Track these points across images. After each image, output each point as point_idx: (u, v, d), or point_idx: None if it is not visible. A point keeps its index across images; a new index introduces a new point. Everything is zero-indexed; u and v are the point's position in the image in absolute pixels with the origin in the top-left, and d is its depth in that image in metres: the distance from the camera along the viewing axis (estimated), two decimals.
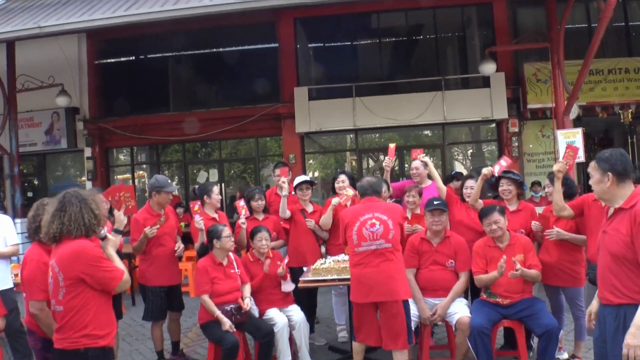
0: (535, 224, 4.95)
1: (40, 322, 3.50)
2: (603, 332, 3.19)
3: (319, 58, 14.33)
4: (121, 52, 14.17)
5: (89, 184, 12.96)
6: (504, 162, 5.13)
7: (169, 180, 5.51)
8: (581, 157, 8.55)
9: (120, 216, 3.81)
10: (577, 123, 10.92)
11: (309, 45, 14.22)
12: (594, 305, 3.43)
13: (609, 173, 3.12)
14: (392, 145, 6.04)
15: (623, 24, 12.74)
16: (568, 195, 4.75)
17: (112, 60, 14.32)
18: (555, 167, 4.50)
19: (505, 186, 5.14)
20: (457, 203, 5.36)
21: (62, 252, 3.00)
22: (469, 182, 5.32)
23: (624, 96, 11.85)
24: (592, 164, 3.20)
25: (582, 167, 11.97)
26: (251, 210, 5.84)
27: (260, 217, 5.85)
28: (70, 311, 2.97)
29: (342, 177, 5.93)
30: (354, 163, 13.74)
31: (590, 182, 3.21)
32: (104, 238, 3.28)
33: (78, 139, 13.41)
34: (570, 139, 8.95)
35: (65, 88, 12.20)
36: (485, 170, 5.03)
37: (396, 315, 4.36)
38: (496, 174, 5.11)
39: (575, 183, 5.08)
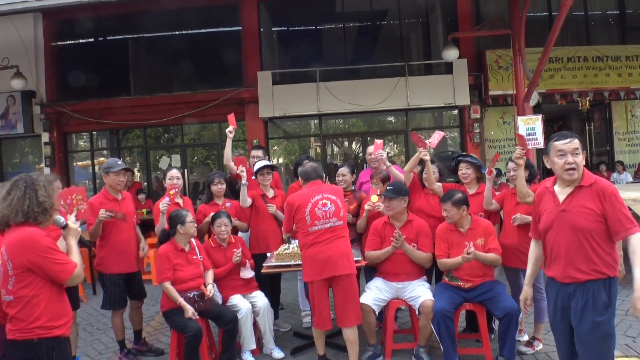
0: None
1: None
2: (563, 311, 3.23)
3: (283, 42, 14.24)
4: (79, 33, 13.69)
5: (47, 171, 12.62)
6: (437, 135, 5.22)
7: (119, 162, 5.34)
8: (540, 143, 8.70)
9: (72, 219, 3.68)
10: (536, 110, 11.12)
11: (273, 29, 14.08)
12: (528, 291, 3.60)
13: (584, 151, 3.22)
14: (379, 141, 5.83)
15: (582, 13, 12.99)
16: (530, 179, 4.84)
17: (70, 42, 13.88)
18: (514, 156, 4.59)
19: (464, 170, 5.25)
20: (418, 190, 5.42)
21: (10, 239, 2.88)
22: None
23: (582, 84, 12.12)
24: (577, 142, 3.16)
25: (542, 153, 12.23)
26: (212, 196, 5.78)
27: (220, 201, 5.78)
28: (21, 301, 2.85)
29: (307, 162, 5.89)
30: (317, 149, 13.71)
31: (577, 159, 3.13)
32: (65, 227, 3.15)
33: (35, 124, 13.02)
34: (530, 126, 9.07)
35: (20, 70, 11.80)
36: (422, 154, 5.11)
37: (351, 289, 4.58)
38: (431, 144, 5.19)
39: (535, 166, 5.16)
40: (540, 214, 3.41)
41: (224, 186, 5.80)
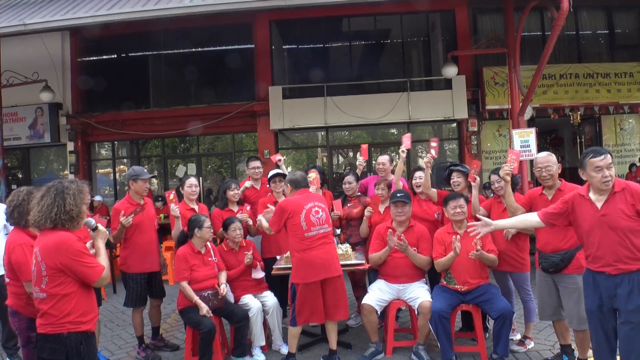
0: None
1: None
2: (609, 299, 3.40)
3: (293, 59, 14.32)
4: (103, 50, 13.92)
5: (71, 177, 12.71)
6: (434, 143, 5.38)
7: (145, 170, 5.45)
8: (534, 154, 8.71)
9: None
10: (530, 123, 11.12)
11: (284, 47, 14.18)
12: (495, 225, 3.94)
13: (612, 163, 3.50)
14: (364, 146, 6.12)
15: (574, 32, 13.02)
16: (513, 187, 4.90)
17: (95, 57, 14.05)
18: (501, 173, 4.61)
19: (455, 178, 5.33)
20: (411, 197, 5.43)
21: (45, 242, 2.92)
22: (417, 173, 5.48)
23: (573, 99, 12.15)
24: (609, 157, 3.42)
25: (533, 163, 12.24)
26: (227, 202, 5.81)
27: (235, 208, 5.83)
28: (53, 299, 2.89)
29: (316, 172, 5.96)
30: (324, 159, 13.77)
31: (611, 172, 3.39)
32: (95, 229, 3.16)
33: (61, 134, 13.18)
34: (524, 138, 9.09)
35: (49, 84, 11.91)
36: (425, 160, 5.28)
37: (341, 288, 4.72)
38: (435, 156, 5.32)
39: (517, 177, 5.22)
40: (575, 216, 3.60)
41: (239, 192, 5.85)
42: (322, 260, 4.57)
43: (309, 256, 4.58)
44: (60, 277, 2.89)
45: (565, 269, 4.22)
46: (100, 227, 3.17)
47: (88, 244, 3.13)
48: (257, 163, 6.33)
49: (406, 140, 5.60)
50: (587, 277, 3.58)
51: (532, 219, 3.89)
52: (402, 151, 5.52)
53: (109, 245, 7.51)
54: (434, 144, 5.35)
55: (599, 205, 3.44)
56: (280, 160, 6.38)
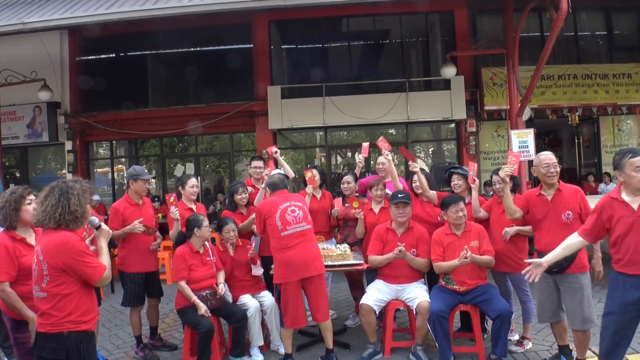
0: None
1: (6, 303, 3.43)
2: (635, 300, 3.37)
3: (292, 59, 14.33)
4: (102, 49, 13.91)
5: (69, 177, 12.71)
6: (365, 144, 5.79)
7: (146, 170, 5.45)
8: (532, 155, 8.73)
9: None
10: (529, 124, 11.15)
11: (283, 47, 14.19)
12: (544, 264, 3.66)
13: None
14: (365, 144, 6.15)
15: (573, 33, 13.05)
16: (514, 188, 4.90)
17: (93, 57, 14.03)
18: (501, 174, 4.60)
19: (455, 181, 5.32)
20: (412, 199, 5.40)
21: (47, 242, 2.89)
22: (415, 177, 5.43)
23: (572, 100, 12.18)
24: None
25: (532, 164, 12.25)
26: (236, 205, 5.77)
27: (245, 210, 5.75)
28: (54, 298, 2.87)
29: (314, 171, 5.96)
30: (323, 159, 13.77)
31: None
32: (98, 227, 3.14)
33: (59, 133, 13.19)
34: (522, 139, 9.11)
35: (47, 83, 11.91)
36: (410, 167, 5.38)
37: (322, 288, 4.72)
38: (365, 155, 5.71)
39: (518, 177, 5.22)
40: (610, 221, 3.52)
41: (247, 195, 5.81)
42: (301, 259, 4.58)
43: (288, 255, 4.60)
44: (62, 277, 2.87)
45: (568, 269, 4.20)
46: (104, 225, 3.15)
47: (87, 241, 3.12)
48: (259, 163, 6.33)
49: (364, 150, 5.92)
50: (616, 280, 3.51)
51: (575, 241, 3.70)
52: (360, 160, 5.84)
53: (112, 244, 7.56)
54: (365, 145, 5.80)
55: (634, 206, 3.39)
56: (277, 152, 6.36)
